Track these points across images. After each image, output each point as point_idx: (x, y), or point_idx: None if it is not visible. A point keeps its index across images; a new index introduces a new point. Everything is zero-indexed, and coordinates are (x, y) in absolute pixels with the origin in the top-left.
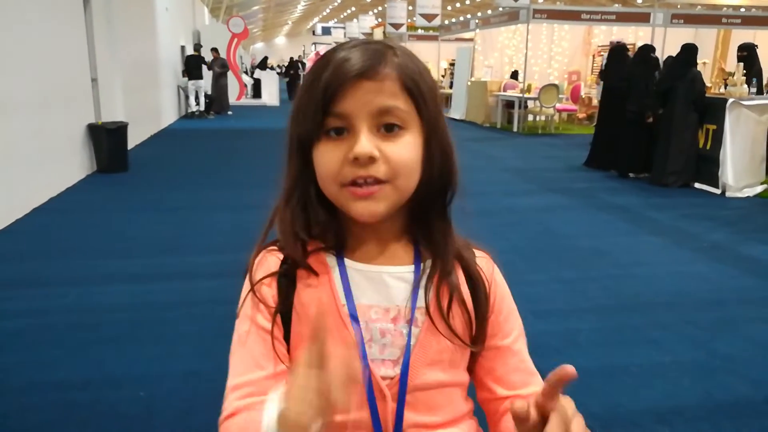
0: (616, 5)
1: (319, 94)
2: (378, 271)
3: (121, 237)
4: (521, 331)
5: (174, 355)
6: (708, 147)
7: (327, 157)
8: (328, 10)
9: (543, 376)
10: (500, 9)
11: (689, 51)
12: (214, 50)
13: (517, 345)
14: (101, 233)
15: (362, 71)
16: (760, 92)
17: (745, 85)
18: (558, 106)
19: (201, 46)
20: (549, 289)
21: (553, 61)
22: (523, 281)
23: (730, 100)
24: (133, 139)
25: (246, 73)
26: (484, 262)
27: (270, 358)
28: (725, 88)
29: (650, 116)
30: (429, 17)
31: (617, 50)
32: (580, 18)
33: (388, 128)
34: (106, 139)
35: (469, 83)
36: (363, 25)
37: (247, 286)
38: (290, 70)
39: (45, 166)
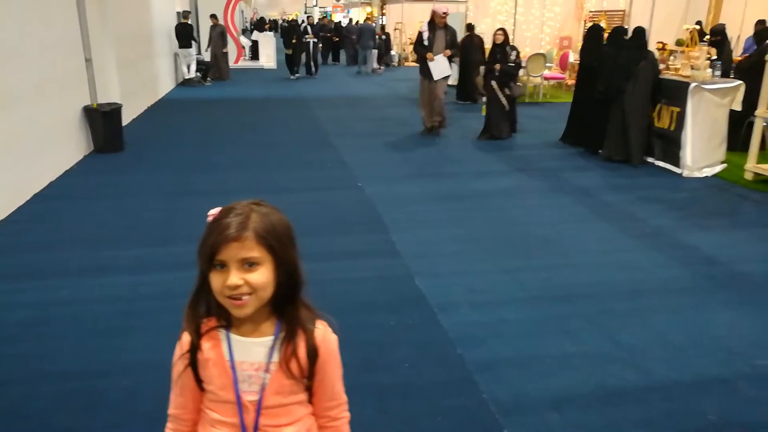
0: None
1: (209, 250)
2: (250, 342)
3: (114, 225)
4: (335, 373)
5: (155, 346)
6: (672, 128)
7: (215, 282)
8: None
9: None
10: None
11: (640, 35)
12: (213, 17)
13: (329, 382)
14: (95, 221)
15: (233, 238)
16: (725, 75)
17: (709, 69)
18: (546, 74)
19: (189, 13)
20: (491, 280)
21: (545, 27)
22: (470, 271)
23: (693, 84)
24: (130, 113)
25: (247, 30)
26: (319, 331)
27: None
28: (691, 69)
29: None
30: None
31: (593, 30)
32: None
33: (249, 264)
34: (101, 121)
35: None
36: None
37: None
38: (291, 37)
39: (43, 152)
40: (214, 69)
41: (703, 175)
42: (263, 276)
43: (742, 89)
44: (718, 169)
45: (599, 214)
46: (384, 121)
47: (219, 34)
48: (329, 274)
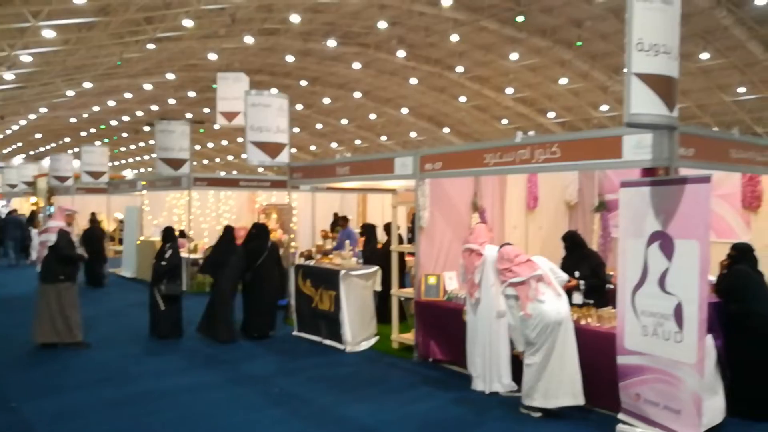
0: (270, 174)
1: None
2: None
3: None
4: None
5: None
6: (332, 309)
7: None
8: None
9: None
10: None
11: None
12: None
13: None
14: None
15: None
16: (369, 262)
17: (354, 258)
18: None
19: None
20: None
21: (222, 218)
22: None
23: (342, 271)
24: None
25: None
26: None
27: None
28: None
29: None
30: (96, 174)
31: (227, 229)
32: (239, 185)
33: None
34: None
35: (138, 242)
36: (24, 173)
37: None
38: None
39: None
40: None
41: (362, 348)
42: None
43: (379, 273)
44: (372, 341)
45: (274, 400)
46: None
47: None
48: None
